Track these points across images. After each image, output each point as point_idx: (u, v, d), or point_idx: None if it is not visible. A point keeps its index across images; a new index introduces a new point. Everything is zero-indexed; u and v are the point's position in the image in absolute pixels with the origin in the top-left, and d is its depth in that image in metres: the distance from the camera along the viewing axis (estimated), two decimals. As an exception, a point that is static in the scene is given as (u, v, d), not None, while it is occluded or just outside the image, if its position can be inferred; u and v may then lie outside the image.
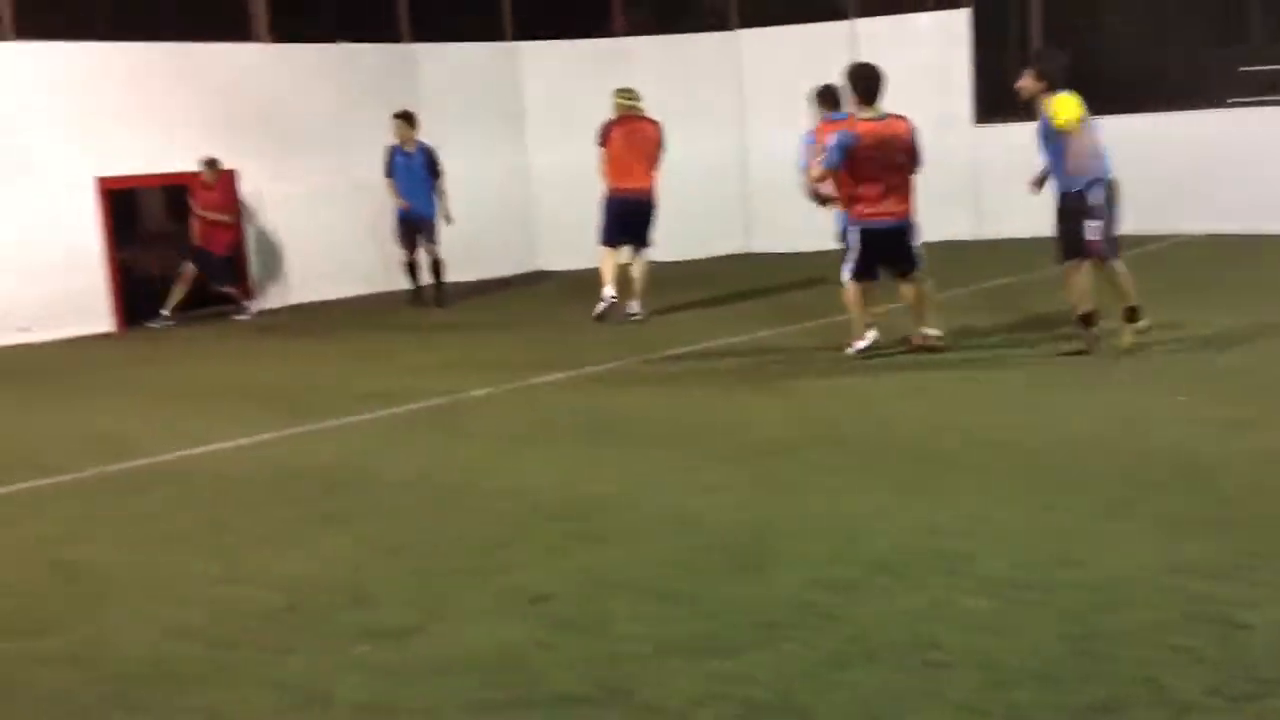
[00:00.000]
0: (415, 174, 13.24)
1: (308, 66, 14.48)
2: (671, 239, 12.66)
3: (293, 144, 14.07)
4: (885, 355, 8.75)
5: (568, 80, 15.80)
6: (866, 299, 8.88)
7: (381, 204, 13.67)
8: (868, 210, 8.69)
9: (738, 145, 16.42)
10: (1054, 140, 8.01)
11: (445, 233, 13.39)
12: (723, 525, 5.14)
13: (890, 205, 8.68)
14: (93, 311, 12.71)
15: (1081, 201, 7.99)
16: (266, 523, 5.68)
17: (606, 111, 11.67)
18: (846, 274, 8.84)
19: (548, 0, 16.91)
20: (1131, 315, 8.17)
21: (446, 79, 15.33)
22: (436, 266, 13.38)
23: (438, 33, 15.40)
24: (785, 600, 4.24)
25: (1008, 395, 7.49)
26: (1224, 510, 4.95)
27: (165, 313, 13.01)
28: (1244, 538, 4.59)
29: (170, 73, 13.33)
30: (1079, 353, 8.18)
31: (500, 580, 4.65)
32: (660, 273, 12.16)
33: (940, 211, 15.15)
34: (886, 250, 8.76)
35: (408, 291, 13.66)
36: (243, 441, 7.32)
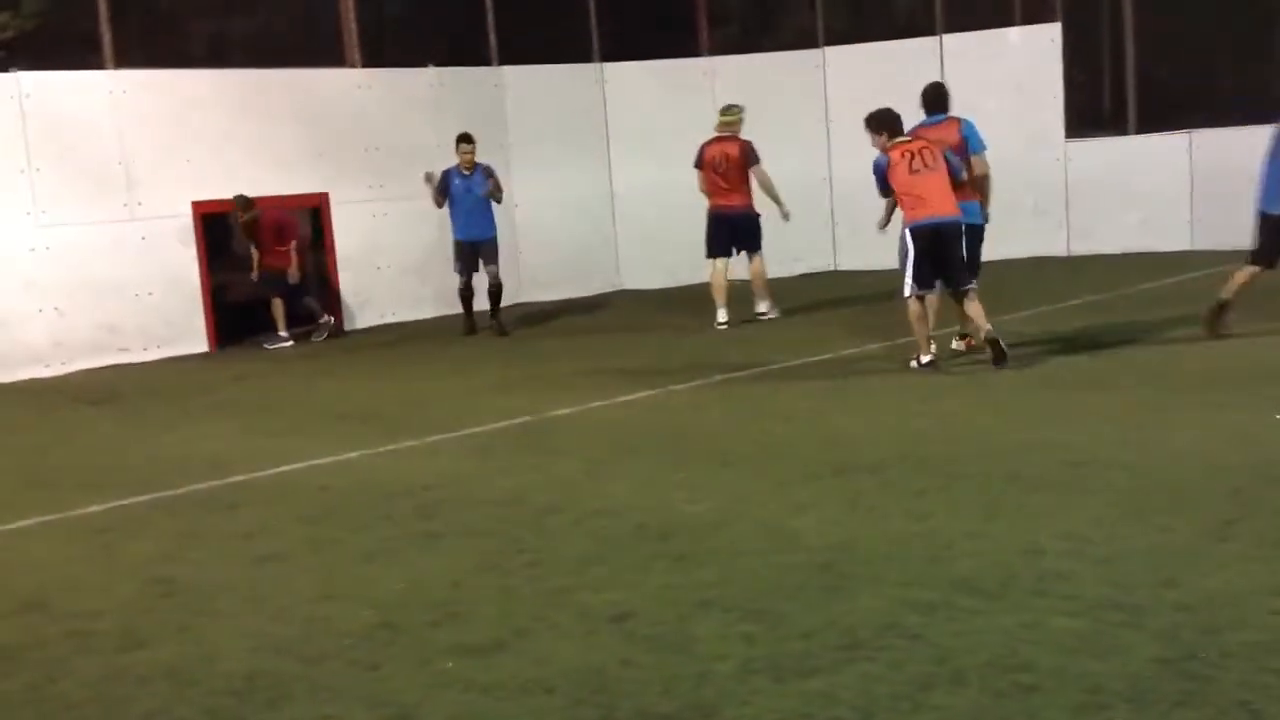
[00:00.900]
0: (475, 195, 12.97)
1: (399, 90, 14.73)
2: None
3: (384, 167, 14.31)
4: (968, 372, 8.70)
5: (651, 99, 15.91)
6: (930, 315, 8.93)
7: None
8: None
9: (822, 162, 16.35)
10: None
11: (530, 253, 13.44)
12: (811, 545, 5.13)
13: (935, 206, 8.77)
14: (190, 332, 13.04)
15: None
16: (363, 540, 5.76)
17: (689, 129, 11.74)
18: (906, 289, 8.86)
19: (636, 21, 17.02)
20: None
21: (534, 100, 15.51)
22: (496, 292, 13.06)
23: (526, 54, 15.56)
24: (871, 620, 4.21)
25: (1103, 413, 7.37)
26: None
27: (284, 334, 13.28)
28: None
29: (265, 99, 13.66)
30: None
31: (589, 598, 4.68)
32: (742, 290, 12.29)
33: (1030, 226, 15.12)
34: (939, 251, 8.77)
35: (464, 321, 13.16)
36: (337, 459, 7.44)
